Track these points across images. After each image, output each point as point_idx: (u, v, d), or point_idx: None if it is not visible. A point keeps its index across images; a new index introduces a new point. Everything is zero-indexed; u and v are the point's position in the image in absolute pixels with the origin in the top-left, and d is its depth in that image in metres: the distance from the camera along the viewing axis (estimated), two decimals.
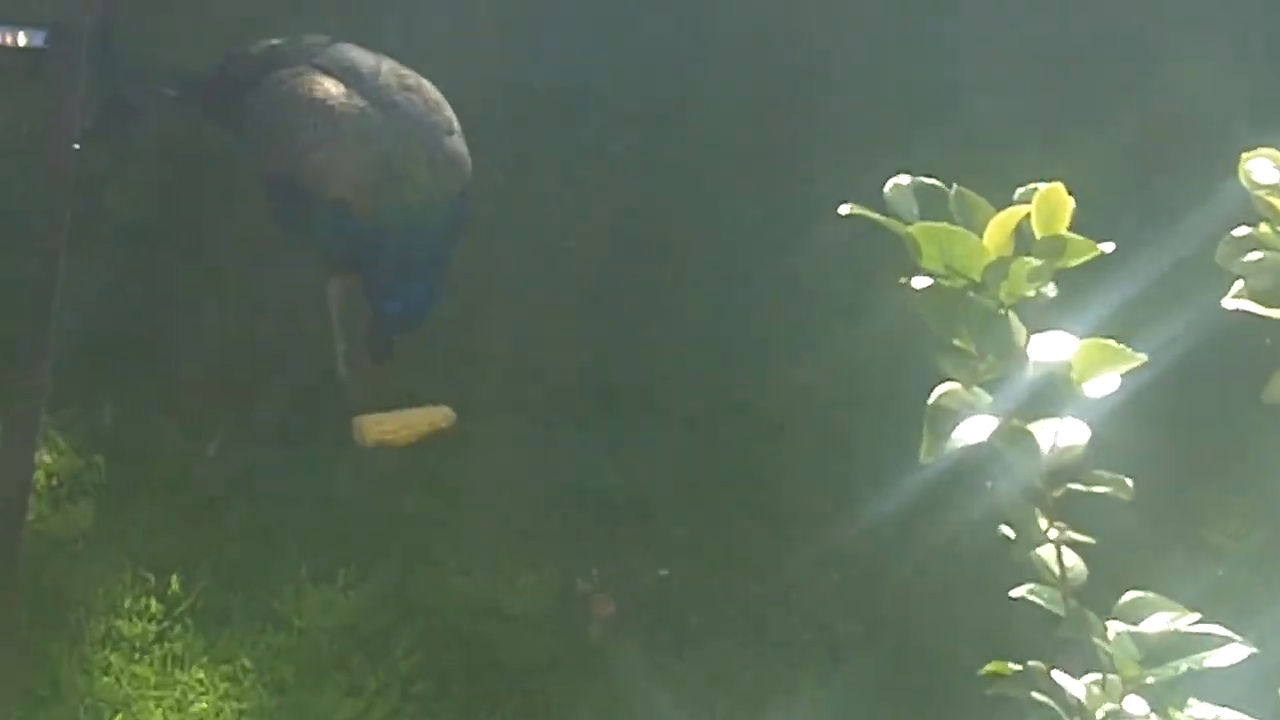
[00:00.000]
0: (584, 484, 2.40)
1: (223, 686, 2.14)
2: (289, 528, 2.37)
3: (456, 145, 2.31)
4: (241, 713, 2.11)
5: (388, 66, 2.33)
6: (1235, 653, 0.92)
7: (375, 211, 2.25)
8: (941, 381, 0.91)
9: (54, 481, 2.35)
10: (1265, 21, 3.21)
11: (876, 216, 0.91)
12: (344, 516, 2.38)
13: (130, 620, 2.21)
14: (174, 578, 2.25)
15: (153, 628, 2.21)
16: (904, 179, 0.94)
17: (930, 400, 0.90)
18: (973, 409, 0.90)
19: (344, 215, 2.26)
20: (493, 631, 2.18)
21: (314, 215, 2.31)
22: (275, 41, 2.42)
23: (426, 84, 2.34)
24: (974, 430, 0.88)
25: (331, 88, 2.25)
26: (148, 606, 2.23)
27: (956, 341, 0.90)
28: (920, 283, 0.91)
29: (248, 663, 2.17)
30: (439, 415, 2.43)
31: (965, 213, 0.92)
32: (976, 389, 0.90)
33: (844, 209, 0.92)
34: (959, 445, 0.89)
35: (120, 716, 2.04)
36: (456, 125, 2.32)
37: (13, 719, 1.79)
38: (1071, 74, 3.20)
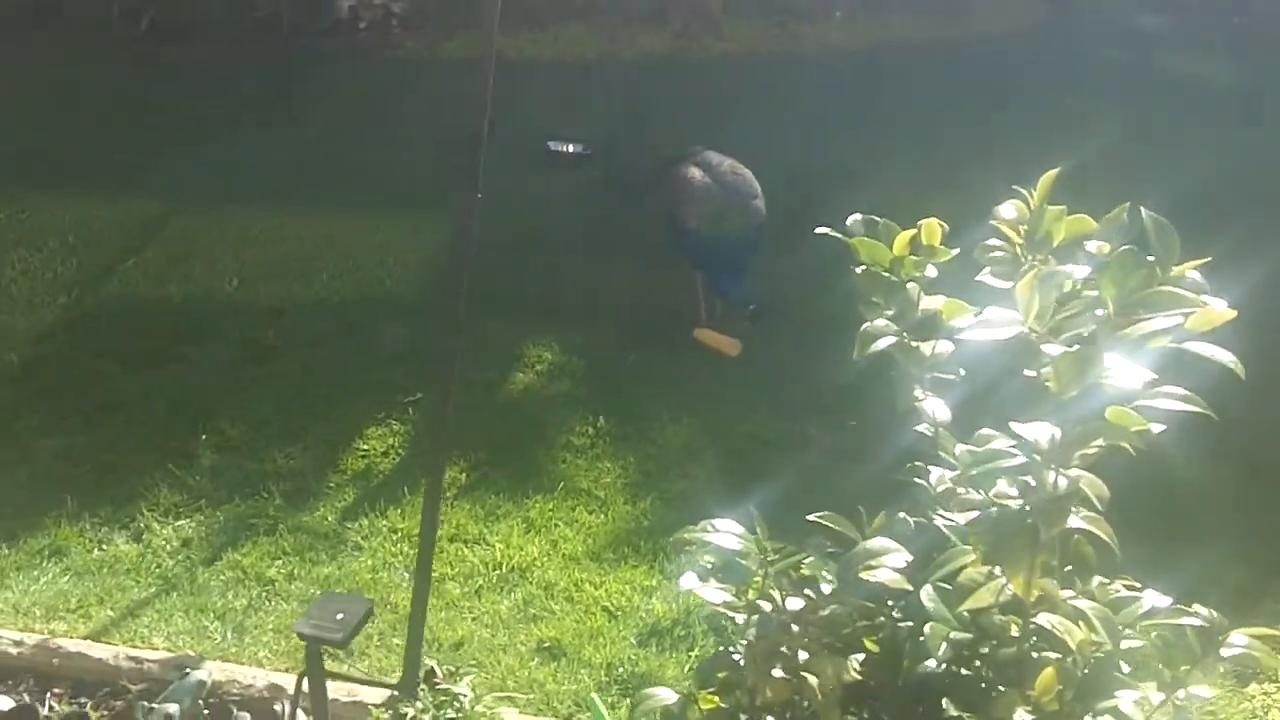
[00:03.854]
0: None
1: (618, 471, 3.55)
2: (663, 391, 3.87)
3: (758, 204, 4.07)
4: (629, 483, 3.49)
5: (729, 164, 4.13)
6: (1018, 459, 1.27)
7: (712, 235, 4.02)
8: (867, 320, 1.42)
9: (548, 368, 4.03)
10: None
11: (838, 235, 1.42)
12: (690, 386, 3.88)
13: (577, 436, 3.73)
14: (601, 417, 3.76)
15: (587, 441, 3.70)
16: (857, 215, 1.44)
17: (862, 328, 1.41)
18: (885, 333, 1.42)
19: (696, 237, 4.06)
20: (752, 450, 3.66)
21: (684, 238, 4.11)
22: (678, 150, 4.32)
23: (746, 172, 4.02)
24: (885, 343, 1.41)
25: (696, 174, 4.11)
26: (585, 430, 3.74)
27: (874, 299, 1.44)
28: (859, 269, 1.44)
29: (632, 459, 3.59)
30: (729, 344, 3.96)
31: (888, 232, 1.44)
32: (886, 322, 1.41)
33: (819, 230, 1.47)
34: (879, 349, 1.40)
35: (562, 483, 3.50)
36: (759, 192, 4.09)
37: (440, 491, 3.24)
38: None
